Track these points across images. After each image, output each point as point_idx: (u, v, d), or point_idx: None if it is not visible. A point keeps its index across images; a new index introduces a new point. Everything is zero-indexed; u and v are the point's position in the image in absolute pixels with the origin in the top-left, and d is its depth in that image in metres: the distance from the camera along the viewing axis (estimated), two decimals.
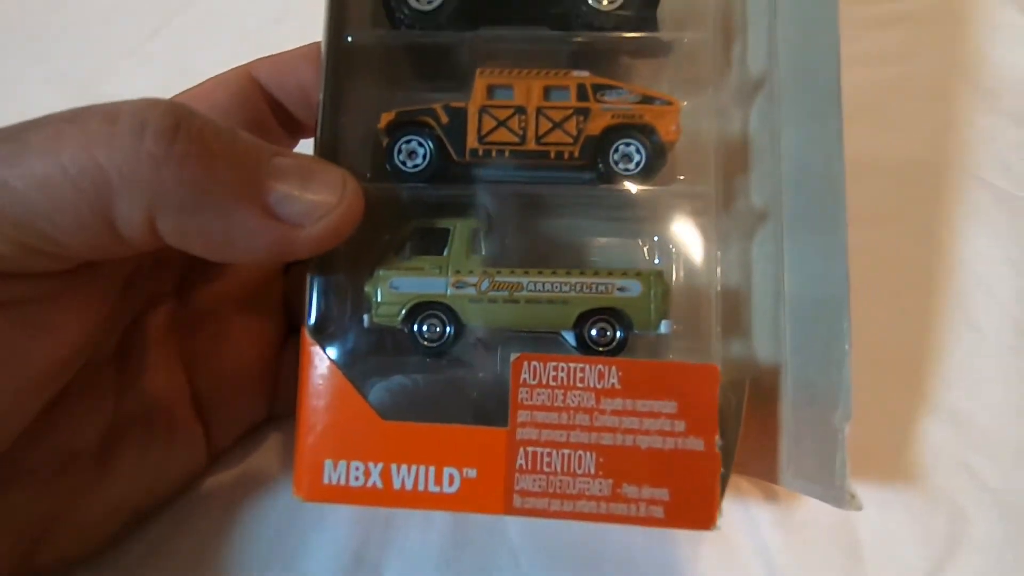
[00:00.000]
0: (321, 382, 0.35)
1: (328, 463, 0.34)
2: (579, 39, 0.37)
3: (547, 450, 0.34)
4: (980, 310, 0.49)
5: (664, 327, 0.36)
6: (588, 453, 0.34)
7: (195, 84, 0.39)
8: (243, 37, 0.59)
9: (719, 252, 0.38)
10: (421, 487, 0.34)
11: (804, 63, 0.37)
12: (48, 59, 0.60)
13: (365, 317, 0.36)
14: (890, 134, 0.56)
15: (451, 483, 0.34)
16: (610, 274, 0.36)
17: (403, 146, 0.37)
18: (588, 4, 0.37)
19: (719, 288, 0.38)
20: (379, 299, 0.36)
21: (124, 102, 0.29)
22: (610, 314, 0.36)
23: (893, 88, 0.58)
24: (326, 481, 0.34)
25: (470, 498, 0.34)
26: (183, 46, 0.60)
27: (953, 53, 0.60)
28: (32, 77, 0.58)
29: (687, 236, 0.38)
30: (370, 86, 0.38)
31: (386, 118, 0.37)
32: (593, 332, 0.36)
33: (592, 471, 0.34)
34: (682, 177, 0.38)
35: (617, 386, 0.34)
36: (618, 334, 0.36)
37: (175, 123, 0.28)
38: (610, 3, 0.37)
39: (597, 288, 0.36)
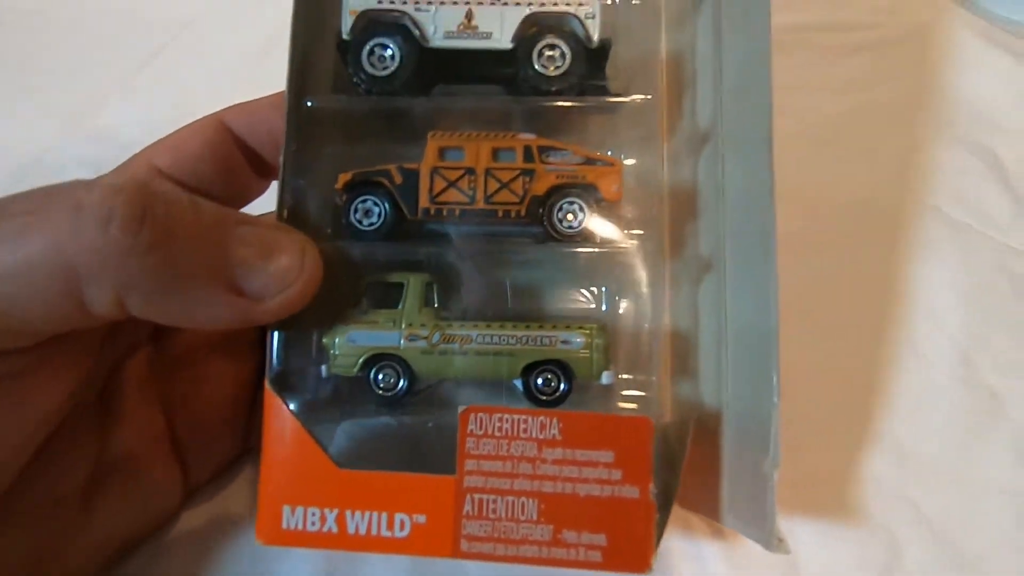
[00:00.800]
0: (281, 432, 0.36)
1: (286, 509, 0.36)
2: (528, 102, 0.38)
3: (492, 497, 0.35)
4: (927, 340, 0.50)
5: (605, 378, 0.37)
6: (531, 500, 0.35)
7: (182, 119, 0.40)
8: (230, 70, 0.60)
9: (668, 296, 0.39)
10: (374, 531, 0.36)
11: (742, 116, 0.38)
12: (39, 91, 0.60)
13: (323, 368, 0.38)
14: (851, 163, 0.57)
15: (402, 528, 0.36)
16: (554, 327, 0.37)
17: (359, 205, 0.38)
18: (535, 69, 0.38)
19: (667, 332, 0.39)
20: (336, 351, 0.37)
21: (90, 186, 0.30)
22: (555, 365, 0.37)
23: (857, 116, 0.59)
24: (285, 526, 0.36)
25: (420, 542, 0.36)
26: (172, 78, 0.61)
27: (918, 80, 0.60)
28: (23, 109, 0.59)
29: (636, 284, 0.39)
30: (331, 144, 0.39)
31: (343, 178, 0.38)
32: (539, 382, 0.37)
33: (534, 517, 0.35)
34: (634, 232, 0.39)
35: (558, 437, 0.36)
36: (562, 385, 0.37)
37: (141, 211, 0.28)
38: (556, 69, 0.38)
39: (541, 341, 0.37)
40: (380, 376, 0.37)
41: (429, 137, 0.38)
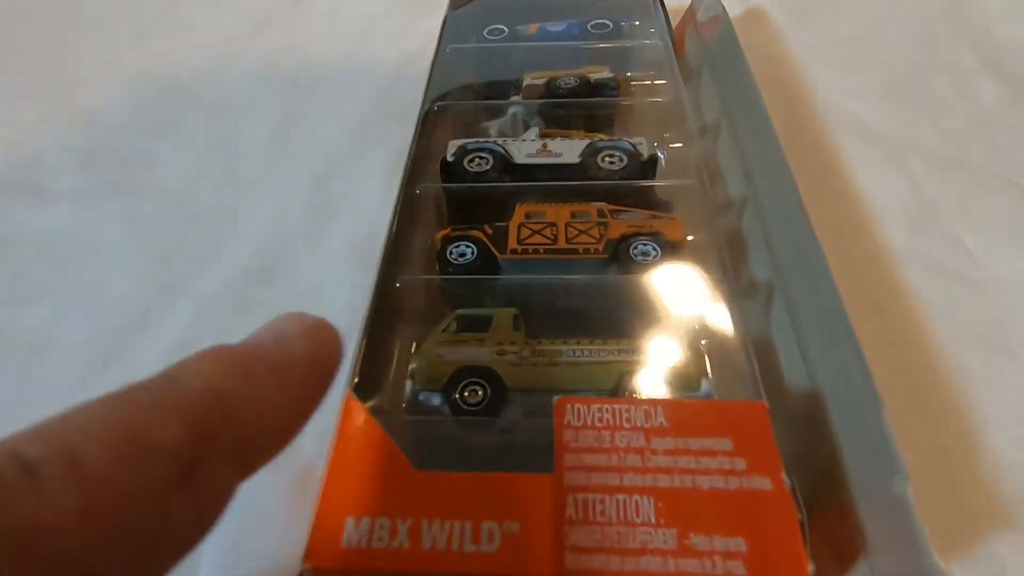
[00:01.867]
0: (354, 437, 0.28)
1: (350, 522, 0.25)
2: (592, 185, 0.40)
3: (599, 496, 0.25)
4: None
5: (704, 388, 0.30)
6: (646, 498, 0.25)
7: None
8: (219, 46, 0.53)
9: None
10: (455, 546, 0.25)
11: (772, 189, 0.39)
12: (21, 72, 0.51)
13: (407, 384, 0.31)
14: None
15: (490, 540, 0.25)
16: (647, 340, 0.32)
17: (453, 249, 0.36)
18: (600, 167, 0.40)
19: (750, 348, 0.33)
20: (423, 365, 0.31)
21: None
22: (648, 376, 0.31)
23: None
24: (345, 544, 0.25)
25: (513, 558, 0.24)
26: (158, 58, 0.54)
27: None
28: (4, 90, 0.50)
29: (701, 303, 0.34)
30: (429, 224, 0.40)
31: (441, 233, 0.37)
32: (633, 394, 0.30)
33: (653, 519, 0.25)
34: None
35: (665, 424, 0.27)
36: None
37: None
38: (616, 167, 0.40)
39: (635, 353, 0.31)
40: (466, 393, 0.31)
41: (517, 206, 0.38)
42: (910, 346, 0.38)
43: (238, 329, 0.37)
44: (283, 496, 0.33)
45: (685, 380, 0.29)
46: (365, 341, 0.30)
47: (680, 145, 0.45)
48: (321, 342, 0.19)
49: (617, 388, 0.29)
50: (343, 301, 0.42)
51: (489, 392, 0.30)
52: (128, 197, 0.52)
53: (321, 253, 0.46)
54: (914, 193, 0.47)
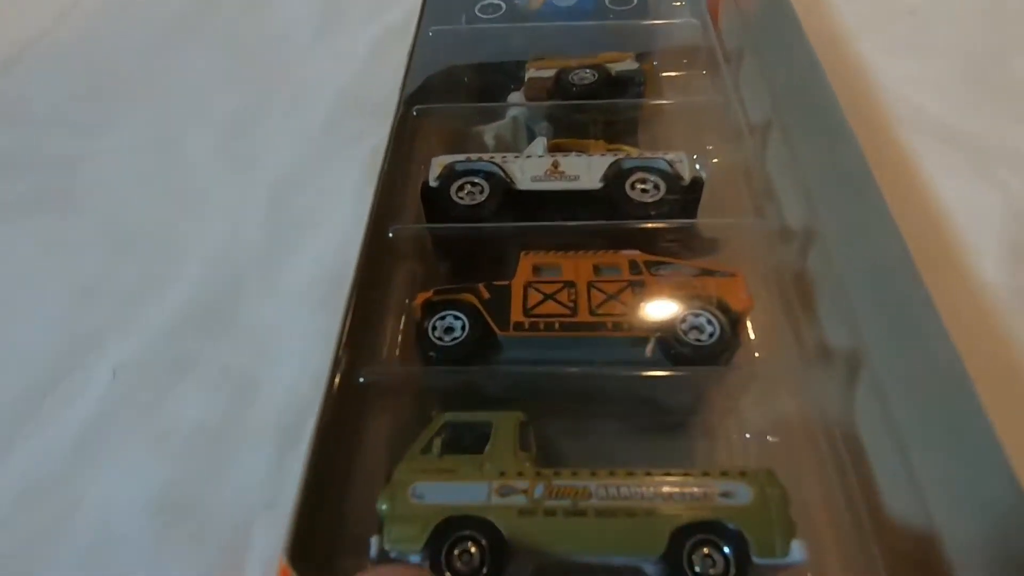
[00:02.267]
0: None
1: None
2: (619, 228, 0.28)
3: None
4: None
5: (796, 552, 0.20)
6: None
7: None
8: (160, 20, 0.45)
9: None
10: None
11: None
12: None
13: (372, 542, 0.21)
14: None
15: None
16: (706, 474, 0.21)
17: (438, 323, 0.25)
18: (630, 197, 0.29)
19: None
20: (395, 513, 0.21)
21: None
22: (716, 534, 0.20)
23: None
24: None
25: None
26: (84, 34, 0.45)
27: None
28: None
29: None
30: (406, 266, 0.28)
31: (423, 296, 0.26)
32: (695, 562, 0.20)
33: None
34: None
35: None
36: (732, 566, 0.20)
37: None
38: (650, 196, 0.29)
39: (693, 494, 0.21)
40: (455, 554, 0.20)
41: (521, 256, 0.27)
42: None
43: (167, 398, 0.25)
44: None
45: (767, 538, 0.19)
46: (309, 478, 0.20)
47: (718, 160, 0.34)
48: None
49: (671, 553, 0.19)
50: (298, 364, 0.31)
51: (487, 553, 0.19)
52: (46, 214, 0.40)
53: (277, 295, 0.34)
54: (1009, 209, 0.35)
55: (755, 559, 0.19)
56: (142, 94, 0.47)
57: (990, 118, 0.40)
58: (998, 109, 0.41)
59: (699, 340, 0.23)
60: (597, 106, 0.33)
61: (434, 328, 0.24)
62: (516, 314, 0.24)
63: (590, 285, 0.25)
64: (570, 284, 0.25)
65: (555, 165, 0.30)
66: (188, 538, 0.26)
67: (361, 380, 0.23)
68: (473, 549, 0.20)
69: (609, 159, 0.30)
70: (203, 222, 0.39)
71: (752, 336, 0.26)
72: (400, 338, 0.27)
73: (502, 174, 0.30)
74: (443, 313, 0.25)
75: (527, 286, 0.25)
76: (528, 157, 0.31)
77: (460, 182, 0.29)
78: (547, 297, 0.25)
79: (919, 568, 0.21)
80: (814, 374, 0.25)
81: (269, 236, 0.38)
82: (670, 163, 0.30)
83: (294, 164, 0.41)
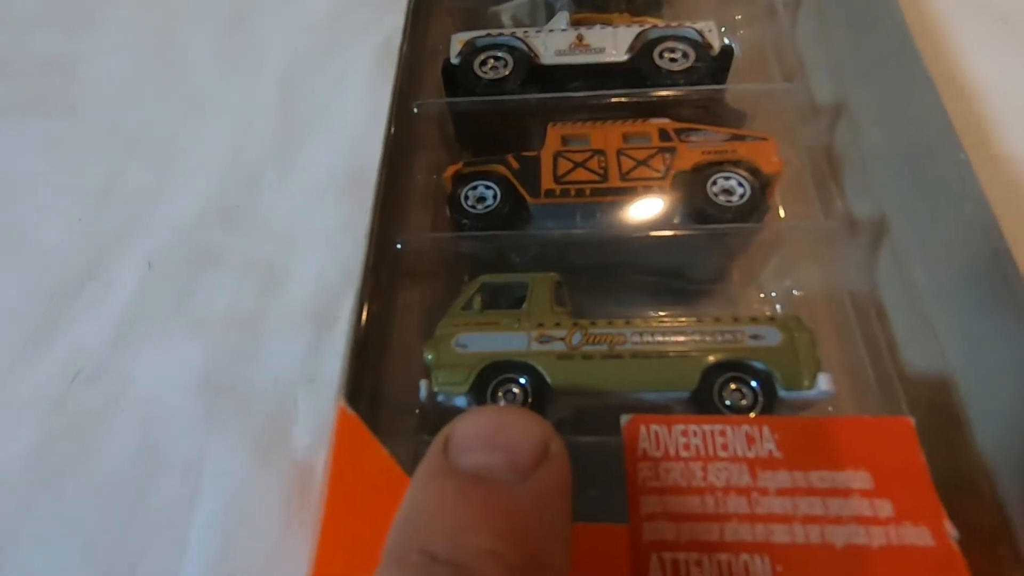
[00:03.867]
0: (352, 466, 0.21)
1: None
2: (646, 97, 0.29)
3: (693, 557, 0.19)
4: None
5: (823, 383, 0.22)
6: (759, 558, 0.19)
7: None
8: None
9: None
10: None
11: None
12: None
13: (421, 385, 0.23)
14: None
15: None
16: (736, 319, 0.24)
17: (470, 192, 0.27)
18: (657, 66, 0.30)
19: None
20: (441, 361, 0.23)
21: None
22: (744, 371, 0.23)
23: None
24: None
25: None
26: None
27: None
28: None
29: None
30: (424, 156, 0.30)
31: (452, 168, 0.28)
32: (724, 397, 0.23)
33: None
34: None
35: (777, 453, 0.20)
36: (759, 398, 0.22)
37: None
38: (678, 65, 0.30)
39: (724, 336, 0.23)
40: (500, 394, 0.23)
41: (549, 127, 0.28)
42: None
43: (199, 287, 0.28)
44: (275, 495, 0.27)
45: (795, 373, 0.22)
46: (357, 329, 0.22)
47: (744, 31, 0.35)
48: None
49: (702, 390, 0.22)
50: (327, 251, 0.34)
51: (530, 394, 0.22)
52: (49, 117, 0.41)
53: (297, 187, 0.36)
54: None
55: (782, 393, 0.22)
56: None
57: None
58: None
59: (729, 201, 0.25)
60: None
61: (466, 197, 0.26)
62: (547, 182, 0.26)
63: (619, 152, 0.27)
64: (599, 152, 0.27)
65: (579, 38, 0.31)
66: (235, 411, 0.29)
67: (398, 247, 0.25)
68: (516, 390, 0.23)
69: (636, 30, 0.31)
70: (212, 120, 0.40)
71: (780, 203, 0.28)
72: (431, 216, 0.29)
73: (525, 48, 0.31)
74: (474, 183, 0.26)
75: (556, 155, 0.27)
76: (551, 31, 0.32)
77: (483, 57, 0.30)
78: (577, 165, 0.26)
79: (934, 408, 0.24)
80: (839, 238, 0.27)
81: (283, 131, 0.39)
82: (699, 32, 0.31)
83: (302, 57, 0.42)
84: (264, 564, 0.26)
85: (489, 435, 0.16)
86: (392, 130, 0.26)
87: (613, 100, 0.28)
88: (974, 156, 0.34)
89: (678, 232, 0.25)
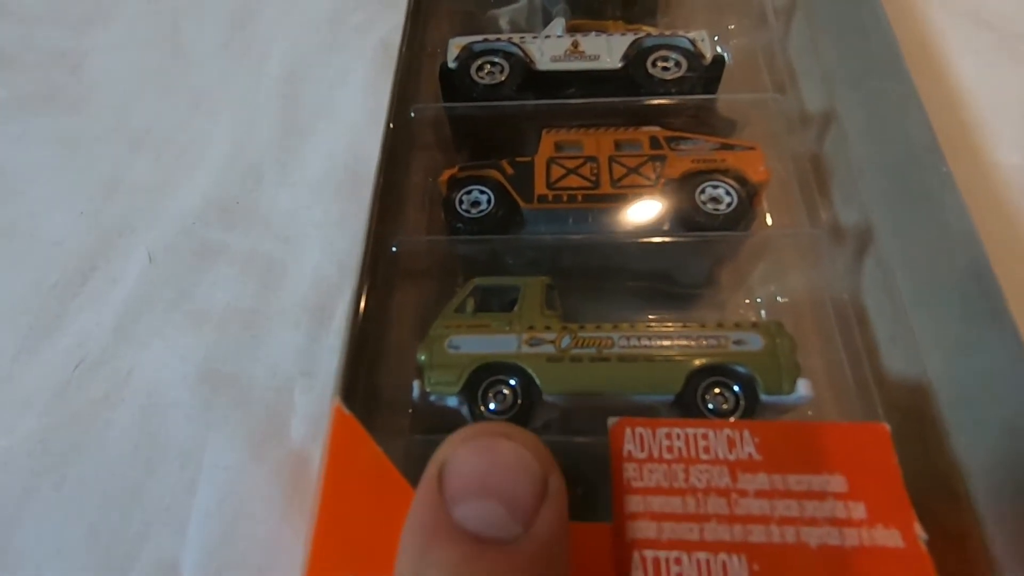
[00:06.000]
0: (348, 463, 0.21)
1: None
2: (639, 104, 0.29)
3: (674, 555, 0.19)
4: None
5: (802, 389, 0.23)
6: (736, 557, 0.19)
7: None
8: None
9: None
10: None
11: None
12: None
13: (414, 385, 0.24)
14: None
15: None
16: (720, 325, 0.24)
17: (464, 197, 0.27)
18: (650, 75, 0.30)
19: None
20: (434, 362, 0.24)
21: None
22: (727, 375, 0.23)
23: None
24: None
25: None
26: None
27: None
28: None
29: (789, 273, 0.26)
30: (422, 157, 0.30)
31: (448, 172, 0.28)
32: (708, 400, 0.23)
33: None
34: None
35: (756, 456, 0.20)
36: (741, 402, 0.23)
37: None
38: (671, 74, 0.30)
39: (708, 341, 0.23)
40: (490, 395, 0.23)
41: (543, 133, 0.28)
42: None
43: (200, 281, 0.28)
44: (272, 486, 0.27)
45: (775, 378, 0.22)
46: (354, 328, 0.23)
47: (737, 40, 0.34)
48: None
49: (686, 393, 0.22)
50: (325, 247, 0.34)
51: (519, 395, 0.22)
52: (56, 112, 0.41)
53: (297, 185, 0.36)
54: None
55: (764, 397, 0.22)
56: None
57: None
58: None
59: (717, 209, 0.25)
60: None
61: (460, 201, 0.26)
62: (540, 187, 0.26)
63: (611, 159, 0.27)
64: (592, 159, 0.27)
65: (575, 45, 0.31)
66: (234, 402, 0.29)
67: (394, 249, 0.25)
68: (506, 391, 0.23)
69: (630, 38, 0.31)
70: (214, 116, 0.40)
71: (767, 211, 0.28)
72: (426, 218, 0.29)
73: (521, 54, 0.31)
74: (469, 188, 0.26)
75: (550, 161, 0.27)
76: (547, 37, 0.32)
77: (479, 62, 0.30)
78: (570, 171, 0.26)
79: (913, 412, 0.24)
80: (824, 246, 0.28)
81: (282, 130, 0.39)
82: (692, 41, 0.31)
83: (301, 56, 0.41)
84: (262, 551, 0.27)
85: (484, 476, 0.15)
86: (390, 134, 0.26)
87: (607, 107, 0.28)
88: (962, 164, 0.34)
89: (667, 238, 0.25)
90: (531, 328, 0.23)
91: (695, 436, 0.20)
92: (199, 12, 0.45)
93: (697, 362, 0.22)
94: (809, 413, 0.23)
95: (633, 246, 0.26)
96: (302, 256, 0.34)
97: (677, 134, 0.27)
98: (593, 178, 0.26)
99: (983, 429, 0.22)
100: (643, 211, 0.26)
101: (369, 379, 0.25)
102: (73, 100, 0.41)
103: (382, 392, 0.26)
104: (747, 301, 0.28)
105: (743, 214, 0.25)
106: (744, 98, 0.29)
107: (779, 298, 0.26)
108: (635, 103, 0.28)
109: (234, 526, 0.26)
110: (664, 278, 0.28)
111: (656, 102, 0.28)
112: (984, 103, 0.36)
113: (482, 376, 0.23)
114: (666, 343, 0.23)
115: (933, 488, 0.22)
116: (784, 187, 0.28)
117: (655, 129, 0.27)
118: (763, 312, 0.27)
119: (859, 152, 0.29)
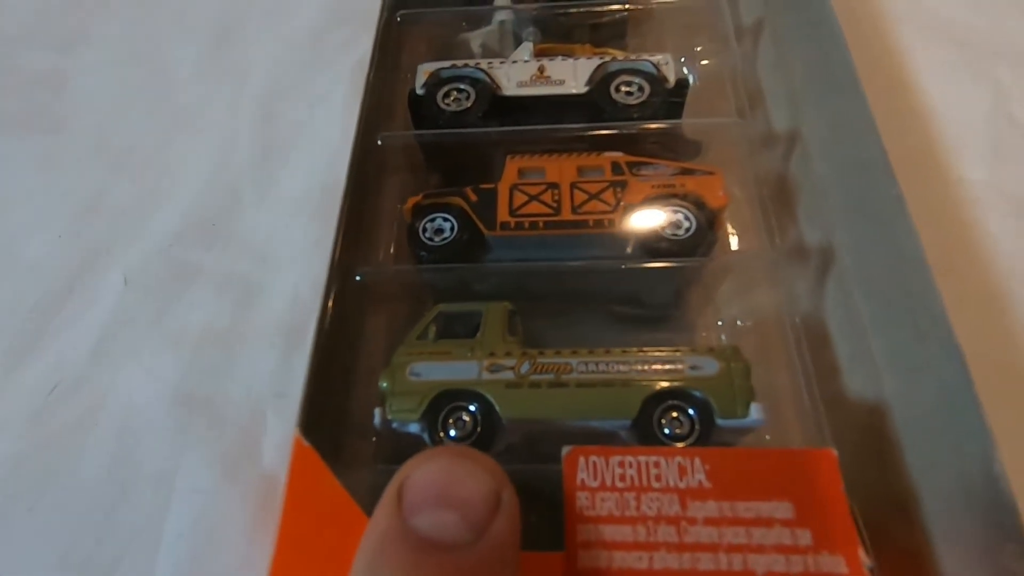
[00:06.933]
0: (307, 498, 0.21)
1: None
2: (603, 131, 0.30)
3: None
4: None
5: (755, 413, 0.23)
6: None
7: None
8: None
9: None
10: None
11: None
12: None
13: (376, 413, 0.24)
14: None
15: None
16: (676, 351, 0.24)
17: (428, 225, 0.27)
18: (613, 101, 0.30)
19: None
20: (395, 389, 0.24)
21: None
22: (683, 400, 0.23)
23: None
24: None
25: None
26: None
27: None
28: None
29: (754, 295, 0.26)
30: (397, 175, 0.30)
31: (412, 200, 0.28)
32: (664, 425, 0.23)
33: None
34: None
35: (706, 483, 0.20)
36: (696, 426, 0.23)
37: None
38: (634, 99, 0.30)
39: (664, 366, 0.24)
40: (451, 422, 0.23)
41: (508, 159, 0.29)
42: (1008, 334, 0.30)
43: (176, 302, 0.28)
44: (243, 509, 0.27)
45: (730, 402, 0.22)
46: (316, 356, 0.23)
47: (707, 62, 0.35)
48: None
49: (642, 418, 0.22)
50: (301, 268, 0.34)
51: (479, 422, 0.22)
52: (38, 133, 0.41)
53: (273, 206, 0.36)
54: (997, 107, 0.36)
55: (719, 421, 0.22)
56: (116, 4, 0.47)
57: (994, 14, 0.40)
58: (1006, 4, 0.41)
59: (676, 235, 0.26)
60: (584, 9, 0.34)
61: (424, 230, 0.26)
62: (502, 215, 0.26)
63: (573, 186, 0.27)
64: (554, 185, 0.27)
65: (541, 70, 0.31)
66: (207, 425, 0.29)
67: (358, 278, 0.25)
68: (466, 418, 0.23)
69: (595, 62, 0.31)
70: (194, 137, 0.40)
71: (731, 233, 0.28)
72: (393, 244, 0.29)
73: (488, 80, 0.31)
74: (432, 216, 0.27)
75: (513, 188, 0.27)
76: (514, 63, 0.32)
77: (446, 89, 0.30)
78: (532, 198, 0.27)
79: (871, 432, 0.25)
80: (787, 268, 0.28)
81: (261, 150, 0.39)
82: (656, 65, 0.31)
83: (281, 76, 0.42)
84: (232, 574, 0.27)
85: (442, 489, 0.16)
86: (355, 161, 0.26)
87: (572, 133, 0.28)
88: (929, 180, 0.34)
89: (629, 265, 0.25)
90: (492, 354, 0.24)
91: (647, 464, 0.20)
92: (180, 32, 0.45)
93: (653, 387, 0.23)
94: (767, 437, 0.23)
95: (597, 271, 0.26)
96: (278, 277, 0.34)
97: (639, 159, 0.28)
98: (555, 204, 0.26)
99: (934, 448, 0.22)
100: (603, 238, 0.26)
101: (339, 404, 0.25)
102: (54, 121, 0.41)
103: (350, 418, 0.26)
104: (720, 323, 0.28)
105: (702, 238, 0.25)
106: (705, 123, 0.29)
107: (739, 322, 0.27)
108: (600, 128, 0.28)
109: (206, 549, 0.27)
110: (631, 301, 0.28)
111: (617, 129, 0.28)
112: (951, 119, 0.36)
113: (442, 403, 0.23)
114: (623, 368, 0.23)
115: (888, 506, 0.23)
116: (748, 210, 0.29)
117: (617, 155, 0.28)
118: (723, 336, 0.27)
119: (821, 171, 0.29)
